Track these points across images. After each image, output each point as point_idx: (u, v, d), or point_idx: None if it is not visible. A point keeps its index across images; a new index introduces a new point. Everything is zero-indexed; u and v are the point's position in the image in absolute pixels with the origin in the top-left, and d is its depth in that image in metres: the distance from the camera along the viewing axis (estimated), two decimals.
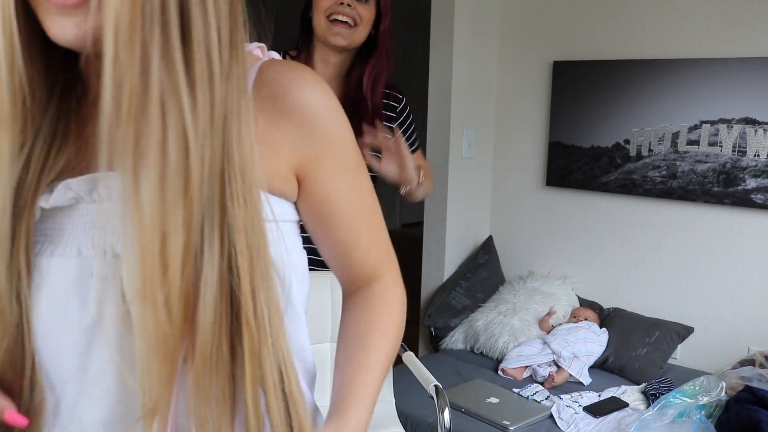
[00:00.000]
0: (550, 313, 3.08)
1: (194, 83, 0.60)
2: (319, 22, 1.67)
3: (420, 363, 2.13)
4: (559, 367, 2.80)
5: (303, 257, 0.79)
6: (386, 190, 1.72)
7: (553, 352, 2.84)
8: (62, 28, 0.60)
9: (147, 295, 0.60)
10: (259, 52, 0.79)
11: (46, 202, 0.66)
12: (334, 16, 1.65)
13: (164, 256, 0.60)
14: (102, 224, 0.66)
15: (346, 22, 1.65)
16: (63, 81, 0.68)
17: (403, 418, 2.48)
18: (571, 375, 2.77)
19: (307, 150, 0.75)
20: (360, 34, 1.69)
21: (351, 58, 1.78)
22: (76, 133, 0.69)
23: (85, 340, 0.67)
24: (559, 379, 2.74)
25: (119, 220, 0.61)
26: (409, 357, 2.21)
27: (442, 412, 1.86)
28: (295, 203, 0.78)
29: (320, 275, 1.71)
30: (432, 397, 1.94)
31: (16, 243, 0.64)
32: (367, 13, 1.68)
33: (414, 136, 2.06)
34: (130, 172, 0.59)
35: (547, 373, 2.79)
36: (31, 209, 0.65)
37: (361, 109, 1.76)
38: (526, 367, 2.85)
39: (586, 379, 2.77)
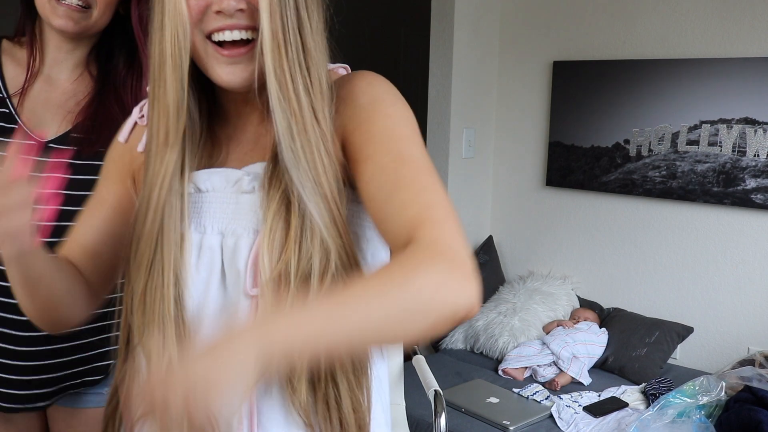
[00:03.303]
0: (558, 322, 3.05)
1: (317, 100, 0.81)
2: (41, 1, 1.27)
3: (427, 367, 2.18)
4: (560, 369, 2.81)
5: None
6: None
7: (553, 353, 2.84)
8: (231, 75, 0.81)
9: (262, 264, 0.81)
10: (342, 71, 0.94)
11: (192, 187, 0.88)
12: None
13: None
14: (209, 209, 0.86)
15: (76, 4, 1.26)
16: (206, 109, 0.91)
17: None
18: (572, 378, 2.77)
19: (346, 120, 0.84)
20: (97, 19, 1.29)
21: (93, 43, 1.38)
22: (211, 143, 0.91)
23: (201, 298, 0.86)
24: (561, 381, 2.74)
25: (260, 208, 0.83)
26: (418, 360, 2.26)
27: (439, 416, 1.93)
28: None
29: None
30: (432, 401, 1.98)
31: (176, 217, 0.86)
32: None
33: None
34: (307, 172, 0.80)
35: (548, 373, 2.80)
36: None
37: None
38: (527, 367, 2.85)
39: (585, 380, 2.78)
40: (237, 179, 0.86)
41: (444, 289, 0.71)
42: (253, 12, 0.79)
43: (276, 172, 0.83)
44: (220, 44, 0.81)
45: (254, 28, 0.80)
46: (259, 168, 0.86)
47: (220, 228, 0.86)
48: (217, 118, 0.91)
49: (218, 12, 0.79)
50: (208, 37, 0.81)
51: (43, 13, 1.28)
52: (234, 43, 0.81)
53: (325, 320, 0.69)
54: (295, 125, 0.80)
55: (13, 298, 0.92)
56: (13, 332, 1.29)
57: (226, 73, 0.81)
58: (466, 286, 0.72)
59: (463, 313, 0.72)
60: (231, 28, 0.79)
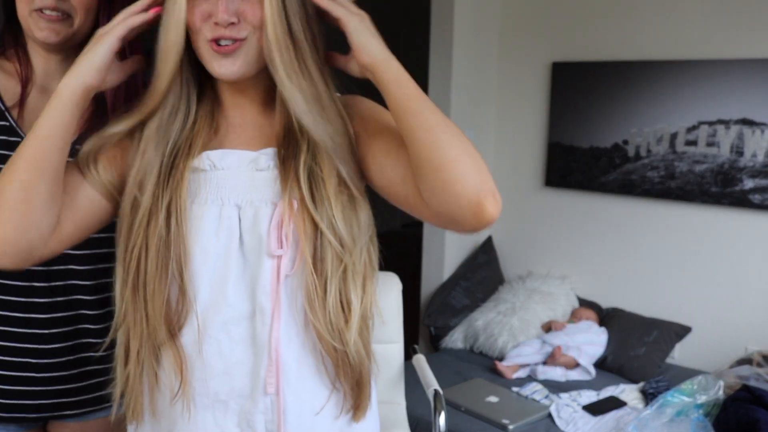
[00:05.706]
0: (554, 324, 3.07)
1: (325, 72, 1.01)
2: (23, 14, 1.27)
3: (427, 367, 2.22)
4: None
5: None
6: None
7: (552, 347, 2.85)
8: (223, 67, 0.96)
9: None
10: None
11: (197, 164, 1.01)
12: (38, 5, 1.25)
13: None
14: (225, 184, 0.99)
15: (57, 14, 1.26)
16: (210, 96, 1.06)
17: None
18: (578, 364, 2.77)
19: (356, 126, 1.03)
20: (79, 27, 1.28)
21: (77, 52, 1.27)
22: (210, 125, 1.04)
23: (222, 262, 0.98)
24: (563, 360, 2.73)
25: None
26: (418, 360, 2.29)
27: (438, 415, 1.96)
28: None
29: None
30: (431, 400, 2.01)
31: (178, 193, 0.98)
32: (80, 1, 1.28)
33: None
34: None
35: (547, 369, 2.80)
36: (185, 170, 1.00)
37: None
38: (520, 366, 2.85)
39: (589, 366, 2.79)
40: (252, 159, 1.00)
41: (485, 173, 0.90)
42: (244, 23, 0.94)
43: (288, 154, 0.99)
44: (218, 43, 0.96)
45: (245, 39, 0.96)
46: (270, 151, 1.01)
47: (236, 201, 0.99)
48: (220, 108, 1.05)
49: (216, 23, 0.94)
50: (211, 40, 0.96)
51: (26, 25, 1.28)
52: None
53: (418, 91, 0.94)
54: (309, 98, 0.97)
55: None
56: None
57: (220, 65, 0.96)
58: (494, 198, 0.90)
59: (478, 196, 0.88)
60: (226, 38, 0.95)
